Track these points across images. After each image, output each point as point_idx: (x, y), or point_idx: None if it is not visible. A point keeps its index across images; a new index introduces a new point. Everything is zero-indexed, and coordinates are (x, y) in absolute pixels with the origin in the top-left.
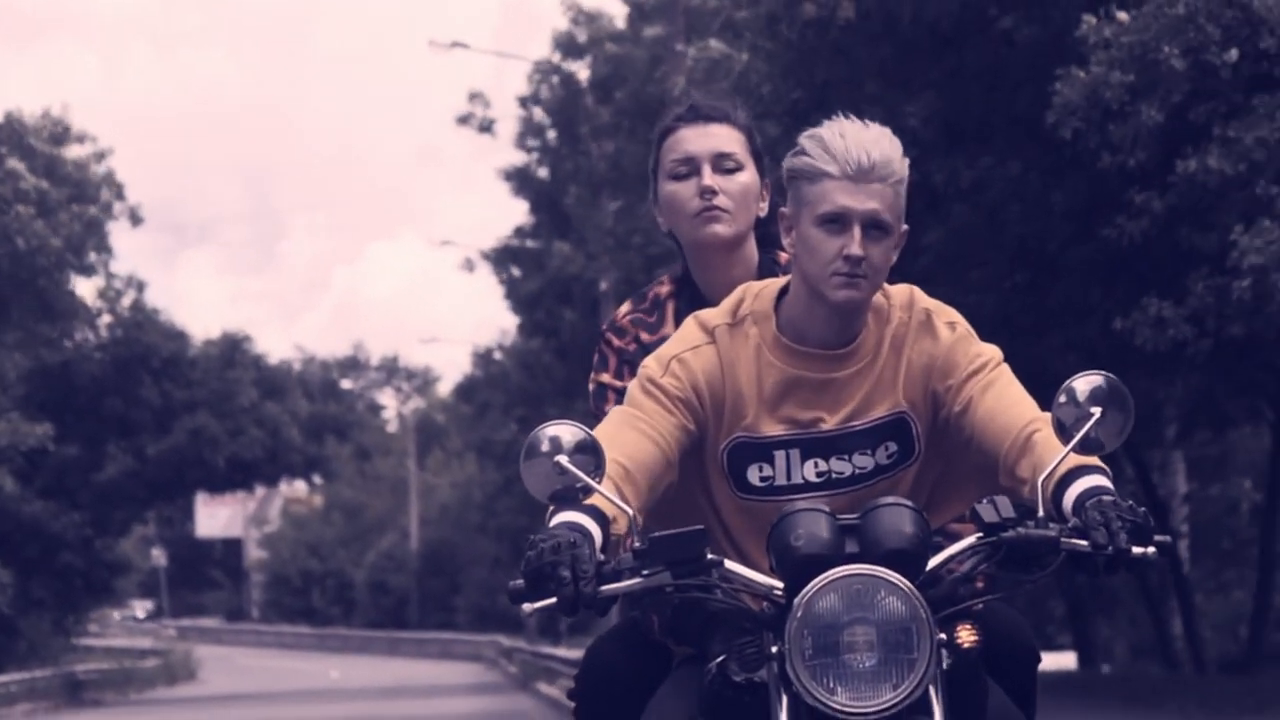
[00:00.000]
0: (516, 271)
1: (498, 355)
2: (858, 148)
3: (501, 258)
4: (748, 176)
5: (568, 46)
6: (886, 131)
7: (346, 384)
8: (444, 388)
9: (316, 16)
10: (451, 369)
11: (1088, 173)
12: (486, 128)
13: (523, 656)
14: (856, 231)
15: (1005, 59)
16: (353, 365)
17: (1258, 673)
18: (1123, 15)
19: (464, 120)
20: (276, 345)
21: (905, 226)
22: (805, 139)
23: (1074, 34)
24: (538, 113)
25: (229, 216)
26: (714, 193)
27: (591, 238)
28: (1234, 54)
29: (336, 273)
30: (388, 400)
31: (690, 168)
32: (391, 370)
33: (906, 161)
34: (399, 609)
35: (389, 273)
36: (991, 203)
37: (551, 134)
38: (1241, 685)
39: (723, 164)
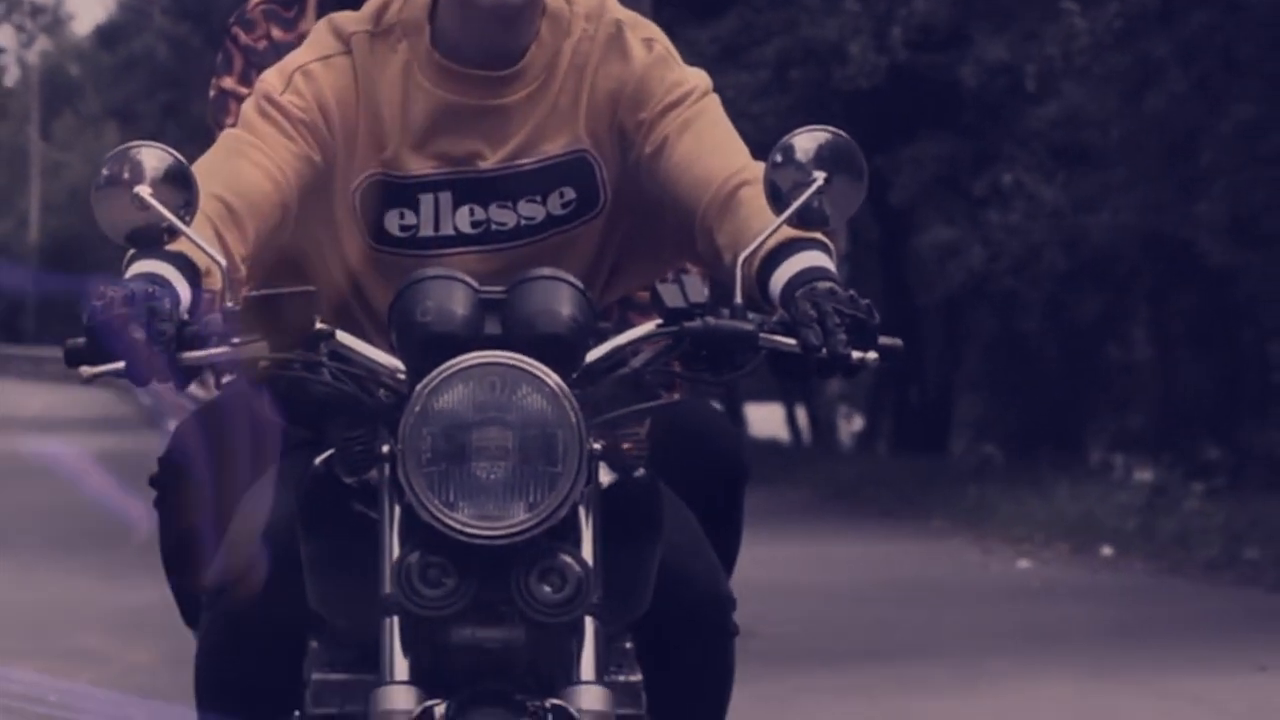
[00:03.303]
0: None
1: None
2: None
3: None
4: None
5: None
6: None
7: None
8: (81, 28)
9: None
10: (90, 5)
11: None
12: None
13: None
14: None
15: None
16: None
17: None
18: None
19: None
20: None
21: None
22: None
23: None
24: None
25: None
26: None
27: None
28: None
29: None
30: (6, 40)
31: None
32: (12, 2)
33: None
34: (12, 317)
35: None
36: None
37: None
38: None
39: None
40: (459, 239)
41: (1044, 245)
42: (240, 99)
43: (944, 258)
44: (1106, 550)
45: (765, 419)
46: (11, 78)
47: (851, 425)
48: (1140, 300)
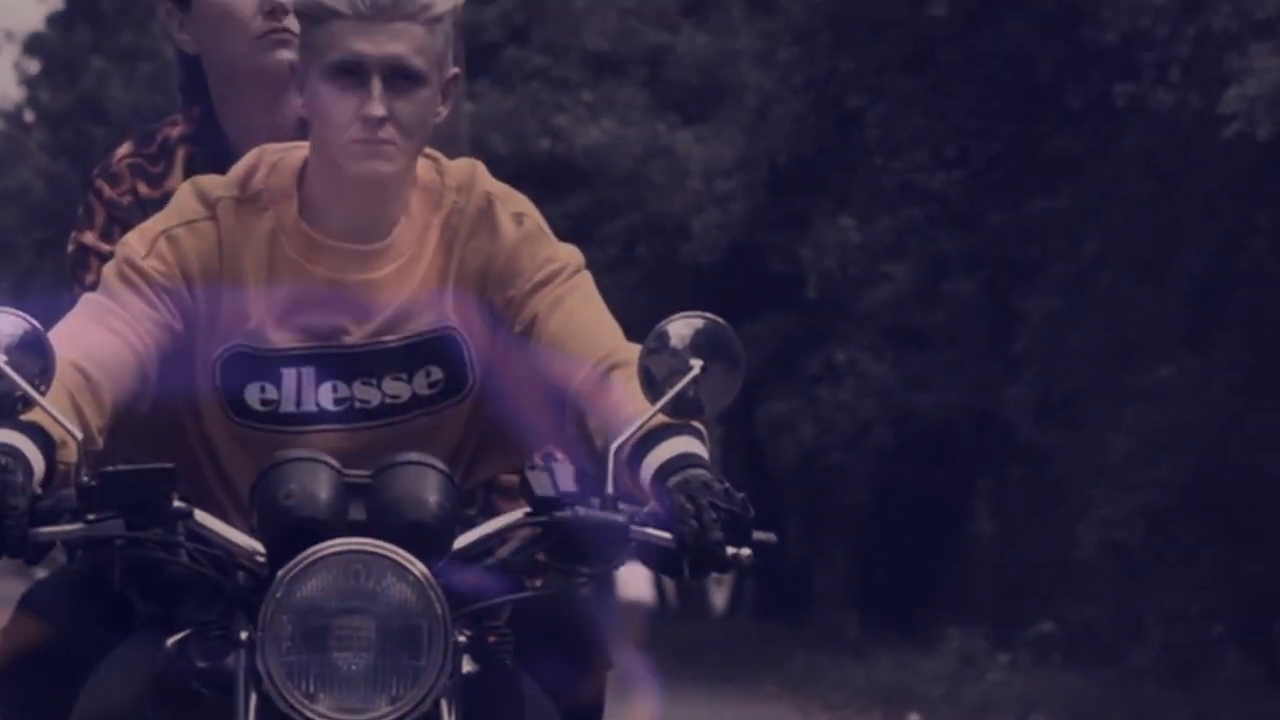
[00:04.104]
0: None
1: (29, 118)
2: None
3: (33, 45)
4: None
5: None
6: None
7: None
8: None
9: None
10: None
11: None
12: None
13: None
14: (375, 85)
15: None
16: None
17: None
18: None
19: None
20: None
21: (456, 70)
22: None
23: None
24: None
25: None
26: None
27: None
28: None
29: None
30: None
31: None
32: None
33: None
34: None
35: None
36: None
37: None
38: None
39: None
40: (321, 415)
41: (873, 421)
42: (101, 255)
43: (780, 431)
44: (914, 716)
45: (632, 580)
46: None
47: (724, 590)
48: (978, 475)
